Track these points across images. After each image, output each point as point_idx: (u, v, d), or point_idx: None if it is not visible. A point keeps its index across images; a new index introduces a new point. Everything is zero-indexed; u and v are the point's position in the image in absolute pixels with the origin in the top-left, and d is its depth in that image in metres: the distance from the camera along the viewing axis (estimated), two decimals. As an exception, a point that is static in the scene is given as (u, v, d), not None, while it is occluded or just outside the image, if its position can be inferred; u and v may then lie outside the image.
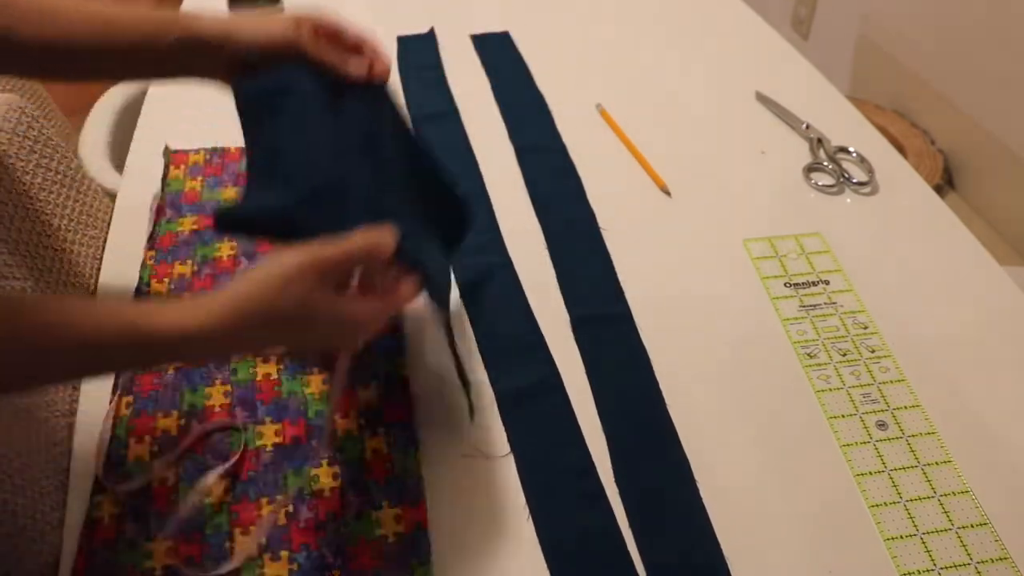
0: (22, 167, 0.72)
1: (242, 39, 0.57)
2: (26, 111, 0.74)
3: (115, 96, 1.21)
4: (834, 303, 0.74)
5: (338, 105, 0.59)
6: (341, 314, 0.51)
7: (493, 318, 0.73)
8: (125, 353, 0.48)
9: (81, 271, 0.75)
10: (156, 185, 0.84)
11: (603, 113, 0.96)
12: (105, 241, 0.80)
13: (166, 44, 0.56)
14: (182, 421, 0.63)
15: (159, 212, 0.80)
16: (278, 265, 0.49)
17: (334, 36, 0.59)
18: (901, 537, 0.58)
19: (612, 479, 0.60)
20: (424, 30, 1.11)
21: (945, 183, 1.56)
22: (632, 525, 0.58)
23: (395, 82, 1.01)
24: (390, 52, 1.06)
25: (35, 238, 0.70)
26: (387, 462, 0.61)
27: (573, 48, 1.09)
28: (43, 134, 0.76)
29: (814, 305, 0.74)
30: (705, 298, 0.74)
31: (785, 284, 0.76)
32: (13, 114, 0.73)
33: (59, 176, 0.77)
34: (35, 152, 0.74)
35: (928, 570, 0.56)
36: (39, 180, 0.74)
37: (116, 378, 0.66)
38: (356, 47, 0.60)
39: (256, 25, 0.57)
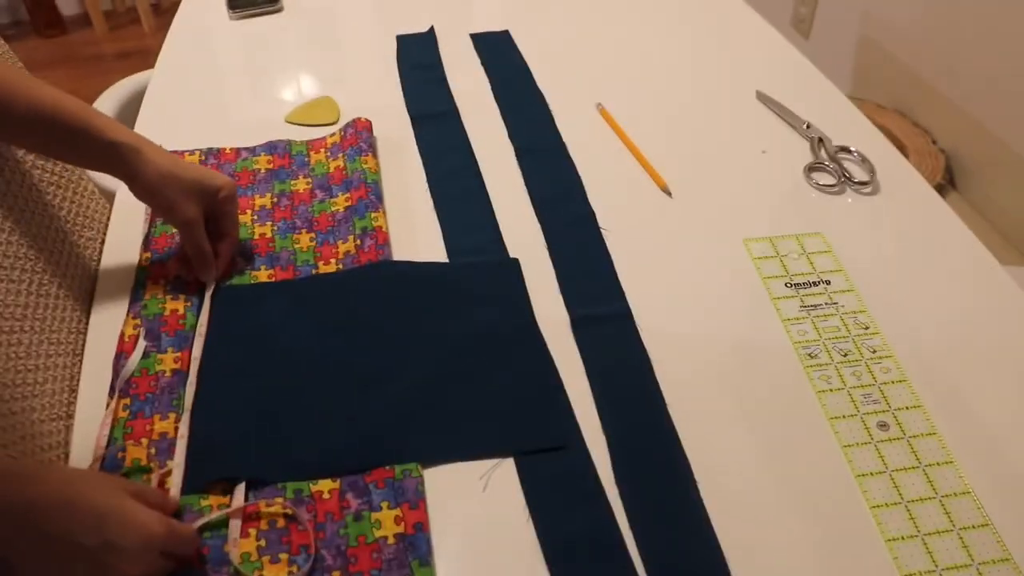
0: (18, 168, 0.72)
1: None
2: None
3: (112, 97, 1.21)
4: (835, 303, 0.74)
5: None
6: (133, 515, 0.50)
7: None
8: None
9: (79, 273, 0.74)
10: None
11: (603, 113, 0.96)
12: (103, 242, 0.80)
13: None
14: (178, 424, 0.63)
15: (155, 213, 0.80)
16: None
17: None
18: (902, 538, 0.57)
19: (612, 479, 0.60)
20: (424, 29, 1.11)
21: (946, 183, 1.56)
22: (632, 525, 0.58)
23: (395, 82, 1.02)
24: (390, 51, 1.07)
25: (32, 240, 0.69)
26: (386, 464, 0.60)
27: (573, 48, 1.09)
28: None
29: (815, 305, 0.74)
30: (705, 298, 0.74)
31: (786, 284, 0.75)
32: (11, 115, 0.72)
33: (56, 177, 0.77)
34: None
35: (930, 571, 0.56)
36: (35, 181, 0.74)
37: (113, 380, 0.66)
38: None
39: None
